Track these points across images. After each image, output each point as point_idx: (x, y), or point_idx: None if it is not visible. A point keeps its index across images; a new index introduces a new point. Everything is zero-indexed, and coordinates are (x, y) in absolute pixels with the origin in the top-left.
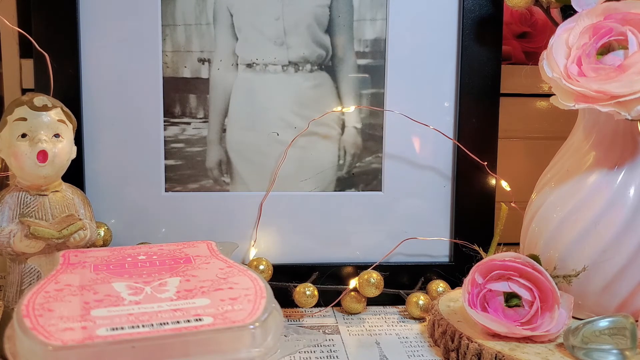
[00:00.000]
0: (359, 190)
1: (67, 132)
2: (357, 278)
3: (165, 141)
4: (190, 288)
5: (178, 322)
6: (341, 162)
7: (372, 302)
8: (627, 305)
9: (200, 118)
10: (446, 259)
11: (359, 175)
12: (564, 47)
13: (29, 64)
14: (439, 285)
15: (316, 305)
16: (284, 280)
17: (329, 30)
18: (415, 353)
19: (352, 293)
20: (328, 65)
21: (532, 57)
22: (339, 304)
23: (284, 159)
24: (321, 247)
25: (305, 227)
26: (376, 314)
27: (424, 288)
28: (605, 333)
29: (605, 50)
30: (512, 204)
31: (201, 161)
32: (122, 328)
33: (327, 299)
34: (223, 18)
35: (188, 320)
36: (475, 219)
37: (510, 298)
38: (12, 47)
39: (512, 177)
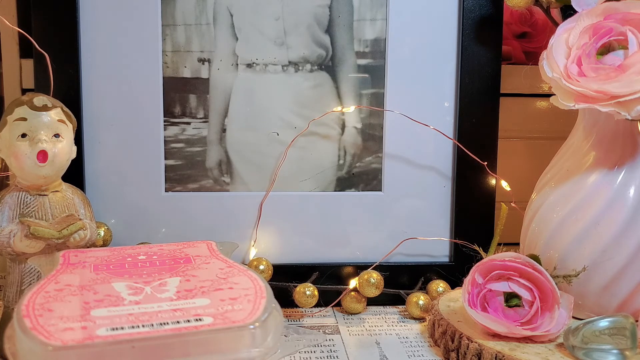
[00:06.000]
0: (359, 190)
1: (67, 132)
2: (357, 278)
3: (165, 141)
4: (190, 288)
5: (178, 322)
6: (341, 162)
7: (372, 302)
8: (627, 305)
9: (200, 118)
10: (446, 259)
11: (359, 175)
12: (564, 47)
13: (29, 64)
14: (439, 285)
15: (316, 305)
16: (284, 280)
17: (329, 30)
18: (415, 353)
19: (352, 293)
20: (328, 65)
21: (532, 57)
22: (339, 304)
23: (284, 159)
24: (321, 247)
25: (305, 227)
26: (376, 314)
27: (424, 288)
28: (605, 333)
29: (605, 50)
30: (512, 204)
31: (201, 161)
32: (122, 328)
33: (327, 299)
34: (223, 18)
35: (188, 320)
36: (475, 219)
37: (510, 298)
38: (12, 47)
39: (512, 177)
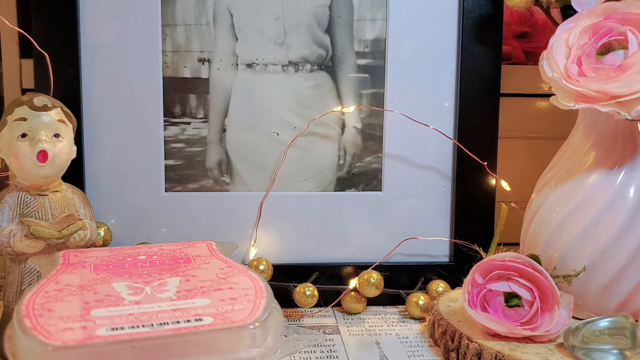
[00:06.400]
0: (359, 190)
1: (67, 132)
2: (357, 278)
3: (165, 141)
4: (190, 288)
5: (178, 322)
6: (341, 162)
7: (372, 302)
8: (627, 305)
9: (200, 118)
10: (446, 259)
11: (359, 175)
12: (564, 47)
13: (29, 64)
14: (439, 285)
15: (316, 305)
16: (284, 280)
17: (329, 30)
18: (415, 353)
19: (352, 293)
20: (328, 65)
21: (532, 57)
22: (339, 304)
23: (284, 159)
24: (321, 247)
25: (305, 227)
26: (376, 314)
27: (424, 288)
28: (605, 333)
29: (605, 50)
30: (512, 204)
31: (201, 161)
32: (122, 328)
33: (327, 299)
34: (223, 18)
35: (188, 320)
36: (475, 219)
37: (510, 298)
38: (12, 47)
39: (512, 177)
